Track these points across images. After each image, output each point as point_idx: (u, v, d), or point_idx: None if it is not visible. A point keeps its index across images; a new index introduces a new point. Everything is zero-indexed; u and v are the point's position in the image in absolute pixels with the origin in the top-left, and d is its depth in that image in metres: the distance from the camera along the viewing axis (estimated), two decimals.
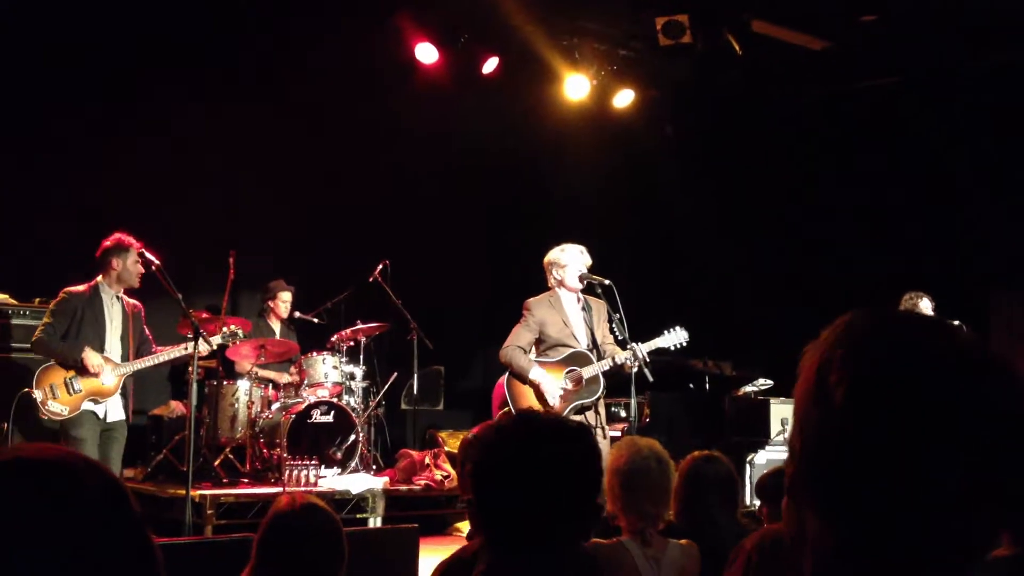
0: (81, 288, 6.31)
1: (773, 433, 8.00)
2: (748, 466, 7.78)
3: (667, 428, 7.86)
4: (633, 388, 6.30)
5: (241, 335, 7.04)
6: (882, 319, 1.06)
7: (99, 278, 6.32)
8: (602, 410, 6.44)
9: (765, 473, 4.15)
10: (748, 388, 8.46)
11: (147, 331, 6.62)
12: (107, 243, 6.30)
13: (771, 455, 7.86)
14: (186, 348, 6.48)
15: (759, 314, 9.88)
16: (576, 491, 1.88)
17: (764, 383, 8.44)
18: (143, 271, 6.37)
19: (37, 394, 6.07)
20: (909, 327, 1.05)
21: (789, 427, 6.87)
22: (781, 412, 8.09)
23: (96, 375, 6.14)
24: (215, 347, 6.86)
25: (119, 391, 6.32)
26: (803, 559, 1.04)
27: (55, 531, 0.98)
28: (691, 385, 8.70)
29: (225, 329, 6.86)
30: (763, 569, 2.69)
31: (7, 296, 7.56)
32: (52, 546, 0.98)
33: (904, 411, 0.96)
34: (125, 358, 6.37)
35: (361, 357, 8.57)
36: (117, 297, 6.39)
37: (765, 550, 2.75)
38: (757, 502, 4.48)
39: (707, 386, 8.67)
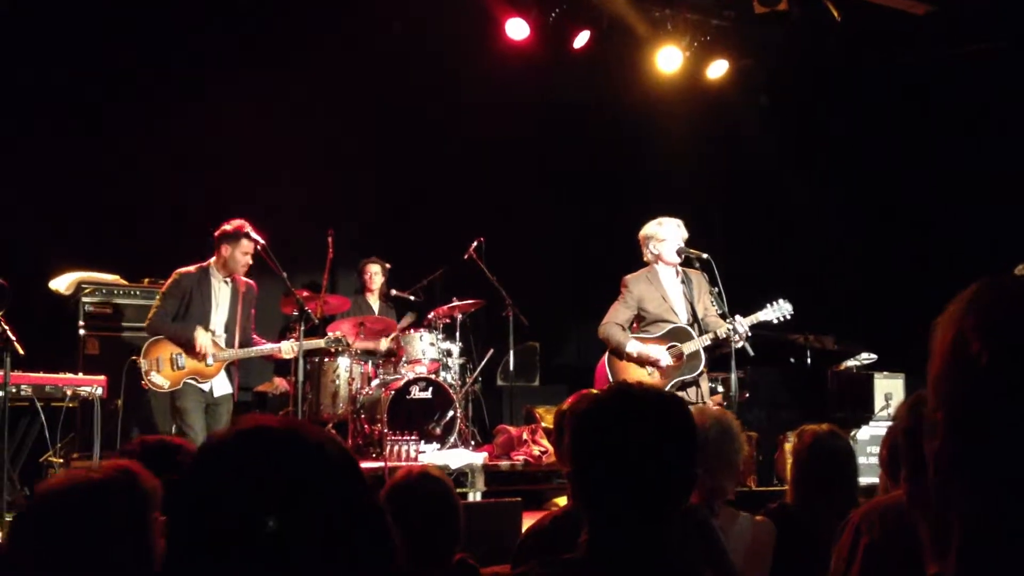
0: (192, 269, 6.53)
1: (877, 408, 7.83)
2: (852, 442, 7.63)
3: (767, 403, 7.76)
4: (732, 363, 6.24)
5: (346, 342, 7.20)
6: (1009, 283, 1.06)
7: (211, 260, 6.54)
8: (704, 385, 6.40)
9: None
10: (850, 362, 8.28)
11: (252, 313, 6.80)
12: (225, 227, 6.49)
13: (875, 431, 7.69)
14: (281, 348, 6.67)
15: (861, 287, 9.67)
16: (672, 460, 1.88)
17: (867, 357, 8.25)
18: (251, 263, 6.53)
19: (143, 364, 6.37)
20: None
21: (895, 403, 6.74)
22: (885, 387, 7.91)
23: (202, 355, 6.36)
24: (318, 347, 7.01)
25: (223, 369, 6.54)
26: (929, 530, 1.03)
27: (290, 494, 1.02)
28: (792, 360, 8.55)
29: (329, 335, 7.01)
30: (873, 542, 2.65)
31: (118, 277, 7.82)
32: (283, 507, 1.01)
33: None
34: (230, 343, 6.56)
35: (457, 334, 8.65)
36: (226, 280, 6.58)
37: (874, 523, 2.70)
38: (863, 479, 4.40)
39: (808, 361, 8.52)
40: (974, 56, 9.35)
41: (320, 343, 6.87)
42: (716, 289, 6.24)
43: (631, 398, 1.95)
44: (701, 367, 6.25)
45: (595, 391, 3.63)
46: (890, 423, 7.54)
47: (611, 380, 6.25)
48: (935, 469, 1.03)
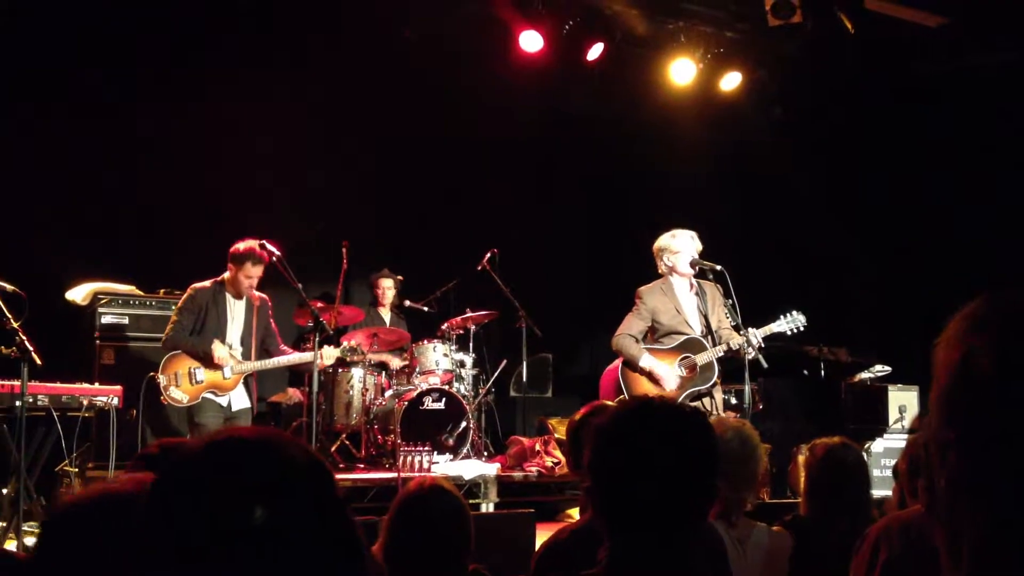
0: (207, 284, 6.57)
1: (891, 420, 7.80)
2: (865, 454, 7.58)
3: (781, 415, 7.74)
4: (747, 375, 6.24)
5: (360, 351, 7.22)
6: (1011, 298, 1.06)
7: (225, 275, 6.58)
8: (718, 396, 6.40)
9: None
10: (864, 374, 8.26)
11: (273, 325, 6.83)
12: (237, 245, 6.50)
13: (889, 443, 7.66)
14: (309, 352, 6.66)
15: (875, 299, 9.64)
16: (694, 474, 1.89)
17: (881, 369, 8.23)
18: (254, 285, 6.56)
19: (162, 379, 6.39)
20: None
21: (909, 415, 6.69)
22: (899, 399, 7.88)
23: (219, 368, 6.39)
24: (334, 360, 7.02)
25: (241, 382, 6.57)
26: (945, 541, 1.04)
27: (261, 505, 1.03)
28: (806, 372, 8.54)
29: (345, 344, 7.03)
30: (892, 557, 2.65)
31: (133, 287, 7.86)
32: (255, 519, 1.02)
33: None
34: (246, 356, 6.60)
35: (471, 345, 8.66)
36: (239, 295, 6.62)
37: (893, 538, 2.70)
38: (876, 492, 4.38)
39: (822, 372, 8.51)
40: (987, 67, 9.34)
41: (336, 352, 6.89)
42: (730, 301, 6.25)
43: (652, 412, 1.95)
44: (714, 378, 6.26)
45: (609, 403, 3.63)
46: (905, 435, 7.53)
47: (624, 391, 6.28)
48: (949, 487, 1.03)
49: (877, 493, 4.17)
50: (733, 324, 6.28)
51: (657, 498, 1.85)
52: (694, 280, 6.43)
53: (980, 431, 1.00)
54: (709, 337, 6.27)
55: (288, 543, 1.03)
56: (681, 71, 9.33)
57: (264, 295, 6.78)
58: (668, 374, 6.20)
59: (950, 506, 1.03)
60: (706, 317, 6.32)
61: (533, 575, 2.91)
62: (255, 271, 6.47)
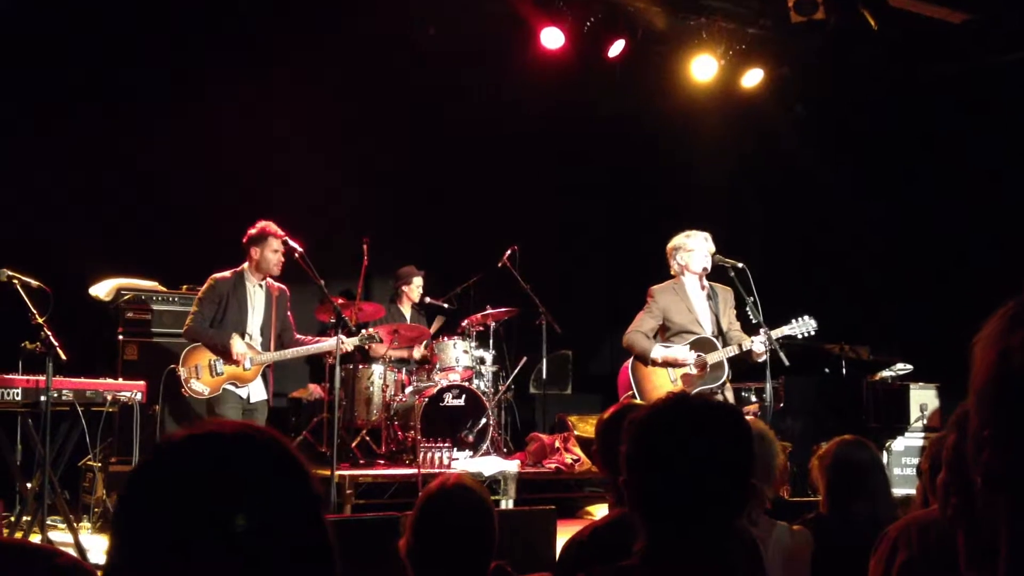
0: (227, 274, 6.61)
1: (912, 419, 7.77)
2: (886, 453, 7.57)
3: (802, 413, 7.73)
4: (768, 372, 6.24)
5: (378, 338, 7.25)
6: None
7: (244, 265, 6.62)
8: (729, 396, 6.39)
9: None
10: (886, 373, 8.22)
11: (290, 317, 6.87)
12: (250, 231, 6.58)
13: (910, 442, 7.64)
14: (327, 340, 6.73)
15: (897, 297, 9.59)
16: (729, 467, 1.89)
17: (902, 368, 8.19)
18: (283, 260, 6.61)
19: (182, 372, 6.46)
20: None
21: (929, 413, 6.65)
22: (920, 398, 7.85)
23: (238, 362, 6.44)
24: (352, 348, 7.05)
25: (259, 375, 6.62)
26: (967, 539, 1.04)
27: (233, 498, 1.04)
28: (827, 370, 8.52)
29: (363, 332, 7.05)
30: (911, 558, 2.64)
31: (156, 283, 7.92)
32: (228, 511, 1.03)
33: None
34: (266, 346, 6.64)
35: (491, 341, 8.66)
36: (260, 284, 6.66)
37: (912, 538, 2.68)
38: (898, 491, 4.36)
39: (843, 371, 8.48)
40: (1013, 64, 9.24)
41: (355, 341, 6.92)
42: (752, 298, 6.22)
43: (690, 407, 1.96)
44: (724, 378, 6.25)
45: (638, 401, 3.64)
46: (925, 434, 7.50)
47: (633, 387, 6.29)
48: (984, 484, 1.03)
49: (899, 492, 4.16)
50: (755, 321, 6.26)
51: (692, 491, 1.86)
52: (706, 282, 6.43)
53: (1015, 426, 1.00)
54: (720, 338, 6.27)
55: (258, 539, 1.04)
56: (703, 68, 9.30)
57: (283, 286, 6.83)
58: (684, 353, 6.20)
59: (985, 503, 1.03)
60: (717, 318, 6.32)
61: (559, 572, 2.92)
62: (279, 245, 6.56)
